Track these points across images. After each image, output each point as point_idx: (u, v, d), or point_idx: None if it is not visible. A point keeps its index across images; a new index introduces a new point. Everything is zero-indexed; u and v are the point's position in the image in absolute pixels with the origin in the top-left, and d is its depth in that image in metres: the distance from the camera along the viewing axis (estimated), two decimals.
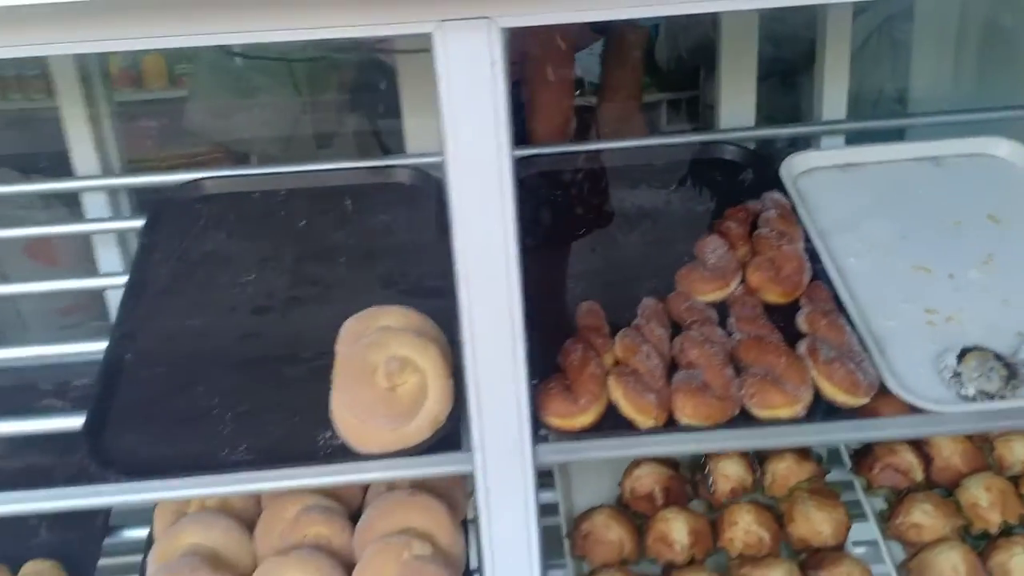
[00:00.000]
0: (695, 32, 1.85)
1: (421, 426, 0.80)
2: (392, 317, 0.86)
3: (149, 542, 0.98)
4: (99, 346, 0.92)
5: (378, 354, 0.80)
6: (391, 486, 0.99)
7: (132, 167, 1.31)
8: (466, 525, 0.97)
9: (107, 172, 1.21)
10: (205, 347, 0.91)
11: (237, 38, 0.66)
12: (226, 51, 2.63)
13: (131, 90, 2.78)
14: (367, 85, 2.23)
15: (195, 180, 1.10)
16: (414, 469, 0.80)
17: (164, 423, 0.84)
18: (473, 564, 0.93)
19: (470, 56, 0.65)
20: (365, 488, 1.02)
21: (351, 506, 0.99)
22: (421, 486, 0.96)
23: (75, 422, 0.83)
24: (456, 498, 0.98)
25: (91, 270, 1.27)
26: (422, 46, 1.09)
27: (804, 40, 1.45)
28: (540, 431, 0.79)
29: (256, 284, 0.99)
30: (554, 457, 0.80)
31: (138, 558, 1.04)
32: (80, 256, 2.08)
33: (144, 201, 1.27)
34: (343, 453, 0.80)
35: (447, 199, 0.69)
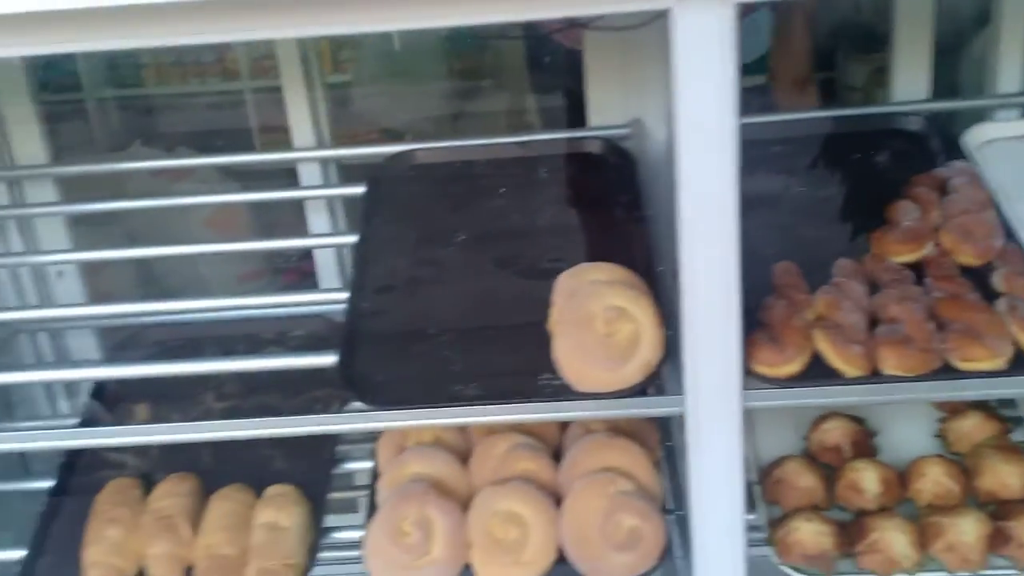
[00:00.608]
0: (833, 15, 1.85)
1: (635, 370, 0.88)
2: (602, 272, 0.94)
3: (373, 475, 1.10)
4: (309, 297, 1.07)
5: (596, 303, 0.89)
6: (588, 430, 1.07)
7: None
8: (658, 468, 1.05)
9: (321, 145, 1.34)
10: (431, 297, 1.02)
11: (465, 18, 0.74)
12: (387, 37, 2.78)
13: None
14: (527, 65, 2.33)
15: (408, 151, 1.20)
16: (631, 408, 0.88)
17: (403, 362, 0.95)
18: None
19: (705, 31, 0.72)
20: (561, 430, 1.11)
21: (550, 445, 1.09)
22: (617, 430, 1.05)
23: (328, 360, 0.95)
24: (650, 442, 1.06)
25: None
26: (612, 24, 1.17)
27: (964, 13, 1.45)
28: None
29: (468, 243, 1.09)
30: (760, 402, 0.86)
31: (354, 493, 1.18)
32: (253, 227, 2.27)
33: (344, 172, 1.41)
34: (563, 392, 0.89)
35: (647, 166, 0.77)
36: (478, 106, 2.87)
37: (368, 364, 0.95)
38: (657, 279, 0.95)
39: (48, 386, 1.46)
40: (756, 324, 0.90)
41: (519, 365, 0.93)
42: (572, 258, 1.00)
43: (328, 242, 1.27)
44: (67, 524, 1.10)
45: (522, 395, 0.89)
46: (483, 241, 1.09)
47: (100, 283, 1.60)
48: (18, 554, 1.07)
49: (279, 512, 1.04)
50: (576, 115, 1.40)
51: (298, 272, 2.46)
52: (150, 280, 2.11)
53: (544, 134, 1.24)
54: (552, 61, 2.12)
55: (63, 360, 1.40)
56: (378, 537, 0.98)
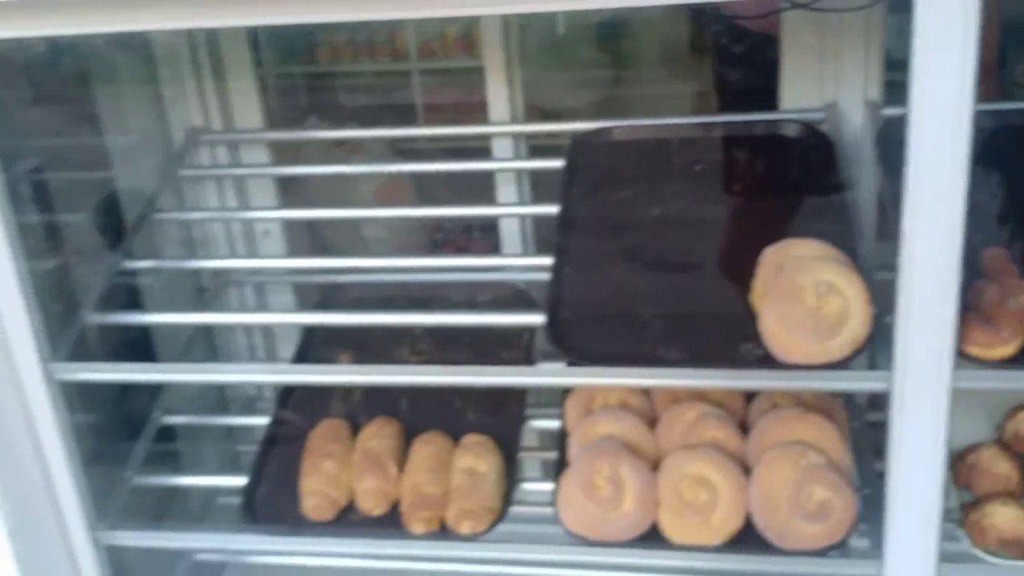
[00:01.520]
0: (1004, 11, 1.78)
1: (842, 344, 0.90)
2: (807, 248, 0.97)
3: (560, 433, 1.16)
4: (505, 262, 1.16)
5: (806, 277, 0.91)
6: (774, 404, 1.10)
7: None
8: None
9: (514, 120, 1.41)
10: (632, 265, 1.07)
11: None
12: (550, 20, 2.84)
13: (465, 57, 3.08)
14: (694, 47, 2.34)
15: (605, 127, 1.25)
16: (837, 381, 0.90)
17: (607, 325, 1.00)
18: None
19: (948, 9, 0.73)
20: (745, 406, 1.14)
21: (735, 419, 1.12)
22: (807, 405, 1.07)
23: (536, 319, 1.01)
24: (841, 421, 1.07)
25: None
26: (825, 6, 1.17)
27: None
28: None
29: (666, 217, 1.13)
30: (970, 383, 0.87)
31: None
32: (415, 201, 2.37)
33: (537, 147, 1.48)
34: (766, 362, 0.92)
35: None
36: (639, 90, 2.90)
37: (573, 325, 1.00)
38: (859, 260, 0.97)
39: (249, 341, 1.59)
40: (965, 307, 0.90)
41: (720, 334, 0.97)
42: (773, 235, 1.02)
43: (526, 211, 1.34)
44: (280, 458, 1.21)
45: (725, 363, 0.93)
46: (681, 215, 1.13)
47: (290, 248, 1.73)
48: (240, 481, 1.19)
49: (477, 459, 1.11)
50: (752, 99, 1.42)
51: (454, 245, 2.57)
52: (321, 250, 2.25)
53: (739, 115, 1.27)
54: (728, 44, 2.12)
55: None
56: (571, 489, 1.03)
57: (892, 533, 0.93)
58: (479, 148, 1.49)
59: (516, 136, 1.42)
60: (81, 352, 1.11)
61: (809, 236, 1.01)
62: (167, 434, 1.46)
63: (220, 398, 1.60)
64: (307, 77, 3.19)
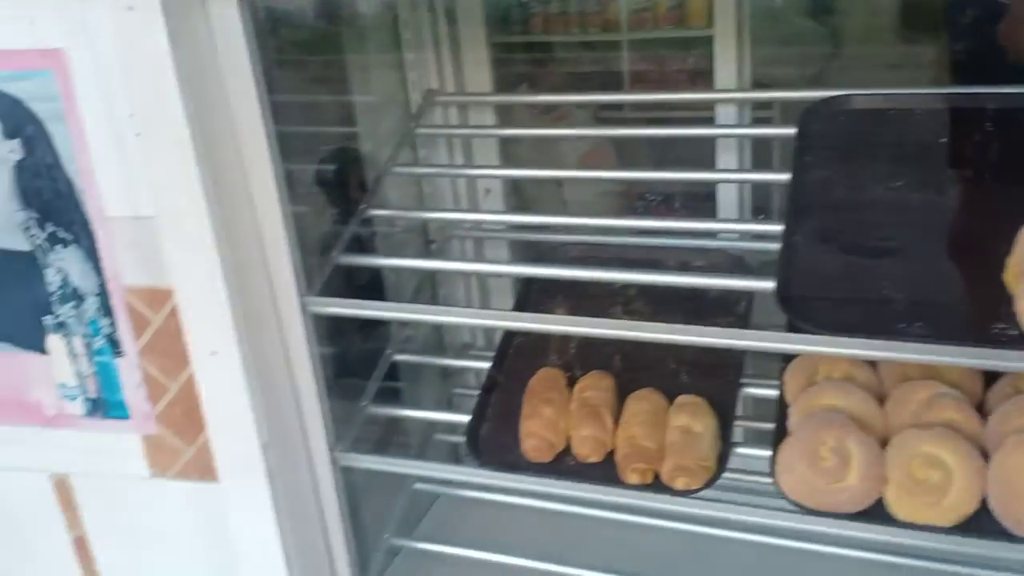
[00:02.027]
0: None
1: None
2: None
3: (779, 403, 1.16)
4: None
5: None
6: (1017, 390, 1.05)
7: None
8: None
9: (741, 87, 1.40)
10: (870, 239, 1.04)
11: None
12: None
13: (671, 27, 3.05)
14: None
15: (841, 95, 1.22)
16: None
17: (843, 294, 0.99)
18: None
19: None
20: (983, 391, 1.09)
21: (972, 403, 1.07)
22: None
23: (765, 285, 1.01)
24: None
25: None
26: None
27: None
28: None
29: (906, 188, 1.09)
30: None
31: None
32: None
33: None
34: (1018, 343, 0.88)
35: None
36: (860, 61, 2.77)
37: (805, 293, 0.99)
38: None
39: (467, 294, 1.68)
40: None
41: (968, 313, 0.93)
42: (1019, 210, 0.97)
43: (753, 177, 1.33)
44: (500, 401, 1.28)
45: (975, 342, 0.89)
46: (923, 189, 1.09)
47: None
48: (461, 419, 1.27)
49: (693, 419, 1.13)
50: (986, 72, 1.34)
51: (655, 216, 2.57)
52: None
53: (987, 87, 1.20)
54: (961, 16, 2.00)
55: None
56: (793, 457, 1.03)
57: None
58: (685, 120, 1.49)
59: (741, 104, 1.41)
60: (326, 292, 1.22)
61: None
62: (391, 374, 1.58)
63: (438, 344, 1.70)
64: (521, 47, 3.26)
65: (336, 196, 1.41)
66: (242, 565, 1.25)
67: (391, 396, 1.59)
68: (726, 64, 1.39)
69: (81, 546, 1.41)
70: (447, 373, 1.67)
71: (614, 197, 2.57)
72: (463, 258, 1.63)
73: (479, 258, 1.65)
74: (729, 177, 1.39)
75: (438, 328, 1.70)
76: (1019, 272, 0.90)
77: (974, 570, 1.18)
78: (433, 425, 1.57)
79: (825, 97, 1.24)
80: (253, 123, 1.08)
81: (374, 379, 1.37)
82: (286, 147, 1.15)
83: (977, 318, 0.92)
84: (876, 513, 1.01)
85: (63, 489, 1.36)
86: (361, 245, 1.46)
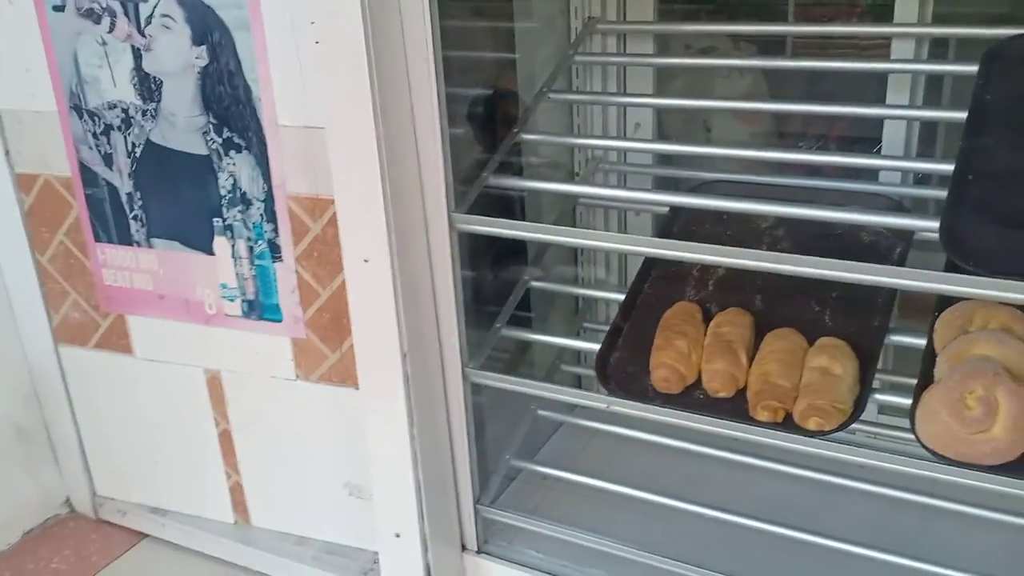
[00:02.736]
0: None
1: None
2: None
3: (927, 352, 1.11)
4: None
5: None
6: None
7: None
8: None
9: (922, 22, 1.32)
10: None
11: None
12: None
13: None
14: None
15: None
16: None
17: (1009, 238, 0.93)
18: None
19: None
20: None
21: None
22: None
23: (927, 224, 0.97)
24: None
25: None
26: None
27: None
28: None
29: None
30: None
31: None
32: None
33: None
34: None
35: None
36: None
37: (972, 232, 0.94)
38: None
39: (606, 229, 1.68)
40: None
41: None
42: None
43: (931, 115, 1.28)
44: (633, 331, 1.28)
45: None
46: None
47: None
48: (592, 347, 1.28)
49: (832, 360, 1.11)
50: None
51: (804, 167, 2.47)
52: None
53: None
54: None
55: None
56: (936, 405, 1.00)
57: None
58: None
59: (920, 41, 1.34)
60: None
61: None
62: (524, 304, 1.61)
63: (573, 277, 1.72)
64: None
65: (490, 121, 1.44)
66: (373, 469, 1.32)
67: (524, 324, 1.63)
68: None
69: (226, 439, 1.52)
70: (579, 308, 1.69)
71: (763, 139, 2.48)
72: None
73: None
74: (900, 113, 1.30)
75: (574, 264, 1.72)
76: None
77: None
78: (561, 355, 1.59)
79: (1012, 35, 1.16)
80: (422, 45, 1.11)
81: (509, 304, 1.40)
82: (447, 71, 1.19)
83: None
84: (1020, 469, 0.96)
85: (215, 385, 1.47)
86: (511, 171, 1.50)
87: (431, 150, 1.16)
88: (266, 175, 1.28)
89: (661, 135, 1.71)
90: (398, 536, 1.35)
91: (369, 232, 1.16)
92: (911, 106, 1.32)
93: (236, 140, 1.28)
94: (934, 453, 1.00)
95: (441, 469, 1.36)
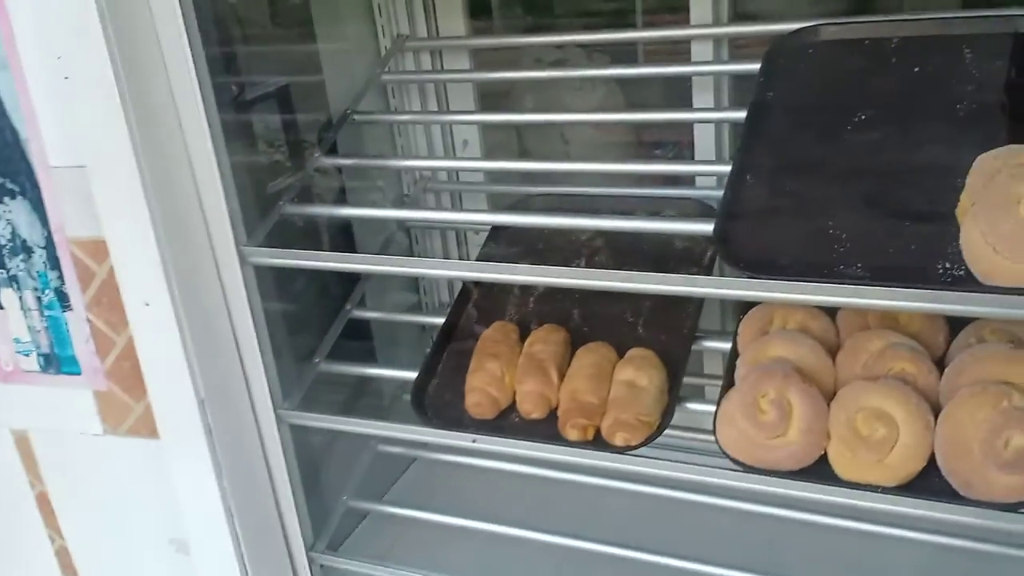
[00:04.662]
0: None
1: None
2: None
3: (731, 355, 1.09)
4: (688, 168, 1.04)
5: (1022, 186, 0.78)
6: (979, 339, 0.97)
7: None
8: None
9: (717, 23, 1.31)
10: (821, 176, 0.96)
11: None
12: None
13: None
14: None
15: (810, 26, 1.13)
16: None
17: (784, 236, 0.91)
18: None
19: None
20: (947, 342, 1.01)
21: (932, 355, 0.99)
22: (1021, 343, 0.93)
23: (704, 227, 0.94)
24: None
25: None
26: None
27: None
28: None
29: (869, 123, 1.01)
30: None
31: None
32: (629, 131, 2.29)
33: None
34: (963, 284, 0.80)
35: None
36: None
37: (746, 234, 0.92)
38: None
39: (445, 252, 1.63)
40: None
41: (913, 251, 0.85)
42: (993, 145, 0.88)
43: (713, 116, 1.25)
44: (453, 356, 1.23)
45: (915, 282, 0.82)
46: (886, 123, 1.00)
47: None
48: (411, 375, 1.23)
49: (638, 372, 1.07)
50: None
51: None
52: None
53: (973, 11, 1.10)
54: None
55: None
56: (732, 409, 0.97)
57: None
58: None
59: (718, 40, 1.33)
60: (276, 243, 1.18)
61: None
62: (364, 333, 1.55)
63: (418, 303, 1.66)
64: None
65: (293, 145, 1.38)
66: (188, 525, 1.24)
67: (364, 356, 1.57)
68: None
69: (43, 502, 1.41)
70: (425, 333, 1.63)
71: (622, 150, 2.48)
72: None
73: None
74: (699, 116, 1.30)
75: (415, 287, 1.66)
76: (971, 202, 0.82)
77: (920, 535, 1.10)
78: (403, 385, 1.53)
79: (794, 29, 1.15)
80: (185, 73, 1.04)
81: (328, 337, 1.34)
82: (241, 97, 1.12)
83: (925, 256, 0.84)
84: (819, 472, 0.94)
85: (24, 446, 1.37)
86: (322, 197, 1.44)
87: (211, 182, 1.10)
88: (44, 220, 1.19)
89: (522, 154, 1.67)
90: None
91: (146, 273, 1.08)
92: (709, 108, 1.31)
93: (9, 185, 1.19)
94: (734, 460, 0.97)
95: (264, 517, 1.28)
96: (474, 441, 1.11)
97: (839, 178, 0.96)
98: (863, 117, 1.01)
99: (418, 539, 1.40)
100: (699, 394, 1.23)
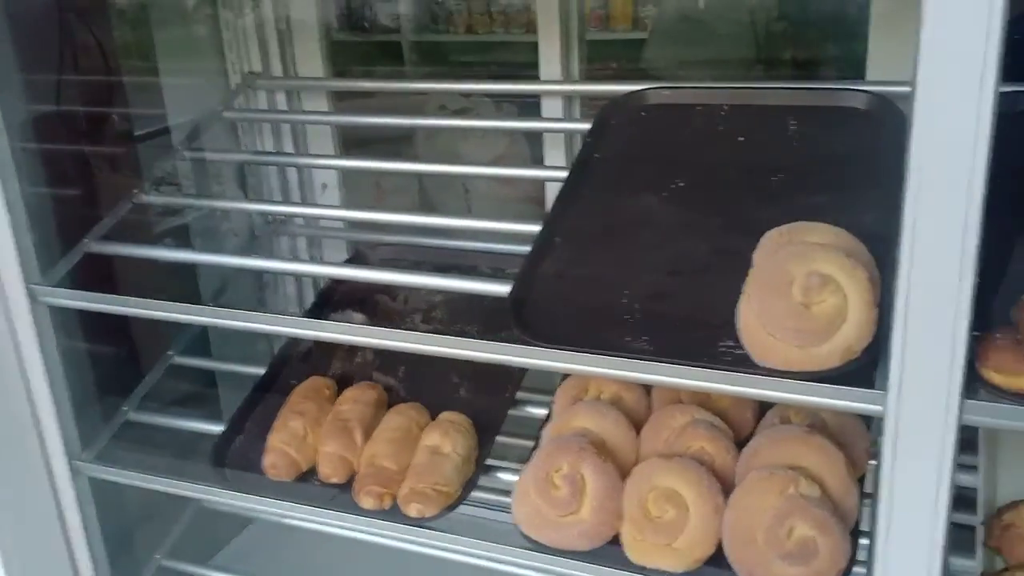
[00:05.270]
0: None
1: (832, 352, 0.73)
2: (820, 234, 0.80)
3: (544, 422, 1.05)
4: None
5: (799, 266, 0.75)
6: (783, 420, 0.93)
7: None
8: (862, 483, 0.89)
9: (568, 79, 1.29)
10: (628, 243, 0.93)
11: None
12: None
13: (598, 30, 2.94)
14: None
15: (642, 90, 1.11)
16: (816, 396, 0.73)
17: (576, 304, 0.87)
18: (864, 525, 0.85)
19: None
20: (756, 420, 0.98)
21: (739, 433, 0.96)
22: (819, 427, 0.90)
23: (500, 289, 0.89)
24: (856, 452, 0.89)
25: None
26: None
27: None
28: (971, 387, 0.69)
29: (684, 191, 0.98)
30: (984, 418, 0.68)
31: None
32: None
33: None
34: (743, 363, 0.77)
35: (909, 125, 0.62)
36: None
37: (540, 299, 0.88)
38: (890, 262, 0.79)
39: (300, 296, 1.56)
40: (1003, 322, 0.71)
41: (701, 327, 0.82)
42: (797, 218, 0.86)
43: (551, 175, 1.21)
44: (265, 411, 1.16)
45: (692, 359, 0.78)
46: (702, 191, 0.97)
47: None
48: (217, 428, 1.15)
49: (444, 438, 1.02)
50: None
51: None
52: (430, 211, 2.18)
53: (802, 83, 1.09)
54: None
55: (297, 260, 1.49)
56: (527, 484, 0.92)
57: None
58: None
59: (570, 98, 1.30)
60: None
61: (844, 223, 0.83)
62: (210, 380, 1.47)
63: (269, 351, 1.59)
64: (366, 44, 3.06)
65: (119, 179, 1.31)
66: None
67: (203, 403, 1.48)
68: (551, 54, 1.28)
69: None
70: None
71: (525, 203, 2.46)
72: (292, 255, 1.53)
73: (313, 256, 1.54)
74: (542, 175, 1.26)
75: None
76: (749, 281, 0.79)
77: None
78: None
79: (628, 91, 1.13)
80: None
81: (144, 383, 1.25)
82: (58, 125, 1.05)
83: (712, 335, 0.80)
84: (611, 554, 0.89)
85: None
86: (178, 241, 1.37)
87: None
88: None
89: (422, 200, 1.61)
90: None
91: None
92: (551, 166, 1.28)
93: None
94: (526, 537, 0.91)
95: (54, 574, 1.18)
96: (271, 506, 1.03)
97: (644, 247, 0.92)
98: (680, 184, 0.99)
99: None
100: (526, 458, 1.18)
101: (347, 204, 1.55)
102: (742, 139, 1.04)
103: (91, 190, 1.24)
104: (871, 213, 0.87)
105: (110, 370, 1.26)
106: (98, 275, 1.17)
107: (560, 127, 1.27)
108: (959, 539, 0.91)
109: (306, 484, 1.06)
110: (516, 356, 0.84)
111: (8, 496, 1.09)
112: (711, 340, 0.80)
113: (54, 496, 1.15)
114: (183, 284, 1.43)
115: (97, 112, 1.28)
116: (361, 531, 1.00)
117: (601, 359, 0.79)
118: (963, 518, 0.95)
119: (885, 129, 0.99)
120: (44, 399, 1.10)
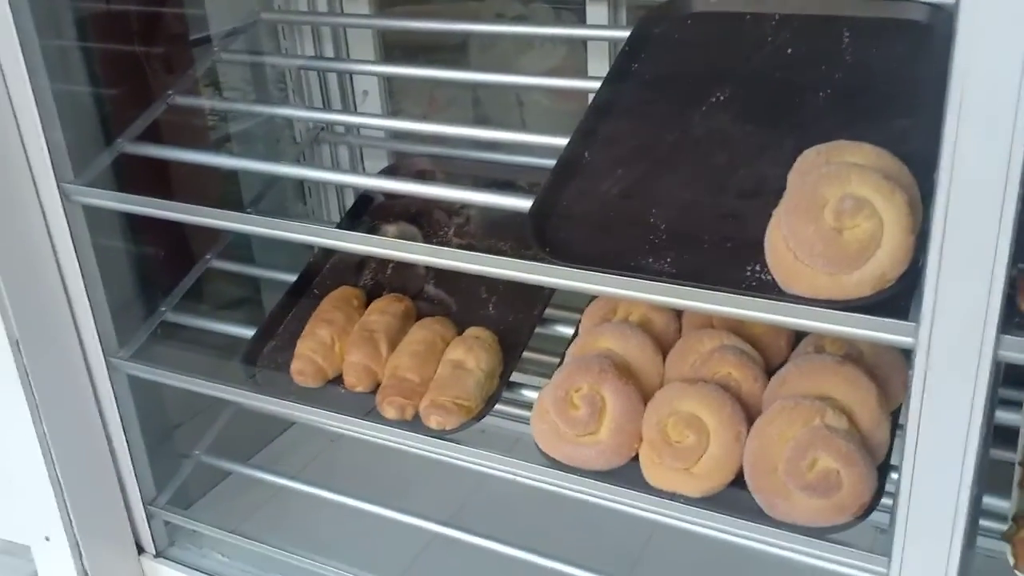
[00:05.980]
0: None
1: (862, 280, 0.69)
2: (861, 154, 0.75)
3: (569, 342, 1.02)
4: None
5: (833, 188, 0.70)
6: (818, 349, 0.90)
7: None
8: (896, 416, 0.85)
9: None
10: (659, 155, 0.89)
11: None
12: None
13: None
14: None
15: None
16: (842, 325, 0.70)
17: (600, 222, 0.84)
18: (894, 459, 0.82)
19: None
20: (791, 348, 0.94)
21: (772, 362, 0.92)
22: (854, 358, 0.86)
23: (522, 203, 0.86)
24: (892, 385, 0.85)
25: None
26: None
27: None
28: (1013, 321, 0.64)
29: (723, 106, 0.93)
30: (1018, 354, 0.64)
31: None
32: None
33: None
34: (767, 289, 0.73)
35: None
36: None
37: (563, 215, 0.85)
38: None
39: (341, 203, 1.55)
40: None
41: (728, 251, 0.78)
42: (841, 138, 0.80)
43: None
44: (296, 318, 1.16)
45: (720, 283, 0.75)
46: (743, 107, 0.92)
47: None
48: (248, 332, 1.16)
49: (468, 353, 1.01)
50: None
51: None
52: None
53: None
54: None
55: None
56: (546, 402, 0.90)
57: (903, 531, 0.73)
58: None
59: (615, 4, 1.24)
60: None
61: (888, 144, 0.78)
62: (255, 286, 1.48)
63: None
64: None
65: (155, 84, 1.30)
66: (6, 469, 1.18)
67: (235, 305, 1.50)
68: None
69: None
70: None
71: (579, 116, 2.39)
72: (334, 163, 1.51)
73: (353, 165, 1.53)
74: (555, 84, 1.20)
75: None
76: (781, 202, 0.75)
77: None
78: None
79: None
80: None
81: (181, 286, 1.27)
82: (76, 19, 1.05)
83: (739, 257, 0.77)
84: (629, 475, 0.88)
85: None
86: (217, 144, 1.36)
87: (29, 117, 1.02)
88: None
89: (476, 113, 1.57)
90: (48, 539, 1.22)
91: None
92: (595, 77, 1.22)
93: None
94: (543, 454, 0.91)
95: (96, 468, 1.22)
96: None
97: (676, 164, 0.88)
98: (720, 98, 0.93)
99: (279, 507, 1.35)
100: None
101: (392, 113, 1.53)
102: (790, 51, 0.98)
103: (130, 92, 1.23)
104: (921, 135, 0.81)
105: (151, 271, 1.28)
106: (142, 177, 1.18)
107: (603, 35, 1.21)
108: (1002, 477, 0.88)
109: (334, 389, 1.07)
110: (534, 274, 0.81)
111: (49, 391, 1.12)
112: (737, 264, 0.76)
113: (93, 391, 1.19)
114: (227, 189, 1.44)
115: (141, 12, 1.26)
116: (384, 439, 0.99)
117: (616, 279, 0.76)
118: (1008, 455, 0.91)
119: (945, 44, 0.91)
120: (80, 296, 1.12)
